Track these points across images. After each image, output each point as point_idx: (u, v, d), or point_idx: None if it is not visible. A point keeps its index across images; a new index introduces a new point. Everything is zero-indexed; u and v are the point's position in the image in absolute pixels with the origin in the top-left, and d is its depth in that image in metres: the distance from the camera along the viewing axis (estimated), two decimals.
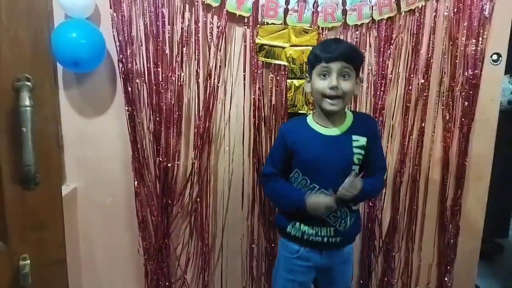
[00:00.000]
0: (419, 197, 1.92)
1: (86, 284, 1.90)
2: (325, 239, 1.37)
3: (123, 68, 1.69)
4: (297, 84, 1.75)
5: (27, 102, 0.60)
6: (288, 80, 1.75)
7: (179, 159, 1.80)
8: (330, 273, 1.43)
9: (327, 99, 1.30)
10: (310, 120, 1.41)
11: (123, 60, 1.67)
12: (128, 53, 1.67)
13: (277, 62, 1.74)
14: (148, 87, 1.72)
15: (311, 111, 1.61)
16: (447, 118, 1.83)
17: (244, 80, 1.76)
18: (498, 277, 2.55)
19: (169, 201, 1.81)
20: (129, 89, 1.71)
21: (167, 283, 1.88)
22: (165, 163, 1.77)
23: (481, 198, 1.96)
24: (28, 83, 0.62)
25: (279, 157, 1.42)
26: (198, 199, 1.84)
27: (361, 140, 1.35)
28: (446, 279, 1.98)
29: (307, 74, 1.44)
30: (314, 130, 1.38)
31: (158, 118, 1.73)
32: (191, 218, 1.86)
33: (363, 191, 1.30)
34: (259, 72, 1.74)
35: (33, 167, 0.62)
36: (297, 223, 1.40)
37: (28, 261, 0.67)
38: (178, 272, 1.92)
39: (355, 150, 1.34)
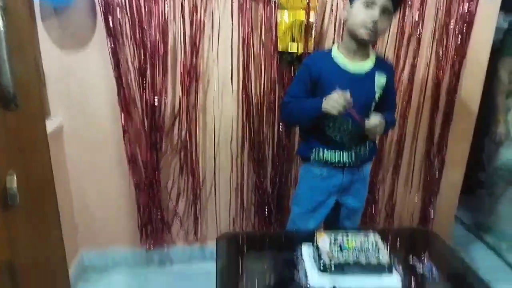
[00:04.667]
0: (407, 132, 1.95)
1: (79, 219, 1.96)
2: (346, 162, 1.46)
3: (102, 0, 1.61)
4: (286, 20, 1.68)
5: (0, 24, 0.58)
6: (279, 17, 1.67)
7: (167, 96, 1.77)
8: (349, 190, 1.53)
9: (363, 28, 1.30)
10: (335, 53, 1.41)
11: None
12: None
13: None
14: (130, 20, 1.65)
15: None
16: (440, 55, 1.81)
17: (232, 13, 1.69)
18: (475, 210, 2.69)
19: (158, 138, 1.81)
20: (111, 23, 1.64)
21: (159, 215, 1.94)
22: (152, 99, 1.75)
23: (467, 134, 2.00)
24: (0, 4, 0.59)
25: (302, 89, 1.42)
26: (187, 136, 1.85)
27: (382, 79, 1.41)
28: (430, 208, 2.08)
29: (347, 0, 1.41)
30: (340, 65, 1.38)
31: (142, 54, 1.68)
32: (180, 155, 1.88)
33: (386, 126, 1.40)
34: (247, 7, 1.67)
35: (11, 88, 0.61)
36: (320, 151, 1.46)
37: (15, 181, 0.67)
38: (170, 206, 1.97)
39: (377, 89, 1.40)
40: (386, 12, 1.30)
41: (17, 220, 0.70)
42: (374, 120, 1.36)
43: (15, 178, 0.68)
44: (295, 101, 1.43)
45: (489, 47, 1.86)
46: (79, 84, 1.74)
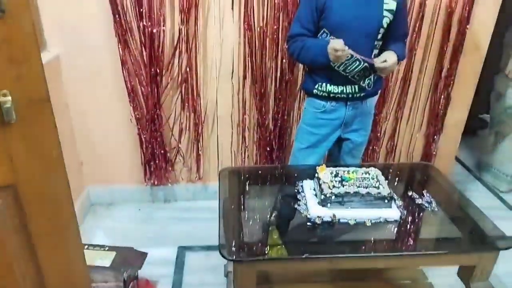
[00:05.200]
0: (414, 66, 1.88)
1: (83, 156, 1.96)
2: (350, 95, 1.43)
3: None
4: None
5: None
6: None
7: (165, 24, 1.69)
8: (353, 124, 1.51)
9: None
10: None
11: None
12: None
13: None
14: None
15: None
16: None
17: None
18: (476, 151, 2.69)
19: (158, 71, 1.75)
20: None
21: (162, 151, 1.94)
22: (149, 28, 1.66)
23: (476, 69, 1.93)
24: None
25: (308, 16, 1.36)
26: (188, 69, 1.78)
27: (391, 4, 1.33)
28: (432, 146, 2.07)
29: None
30: None
31: None
32: (181, 88, 1.83)
33: (397, 60, 1.36)
34: None
35: None
36: (323, 84, 1.43)
37: (9, 97, 0.64)
38: (172, 142, 1.97)
39: (385, 13, 1.33)
40: None
41: (15, 138, 0.68)
42: (386, 59, 1.32)
43: (9, 94, 0.65)
44: (300, 41, 1.38)
45: None
46: (74, 11, 1.65)
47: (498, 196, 2.32)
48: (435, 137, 2.05)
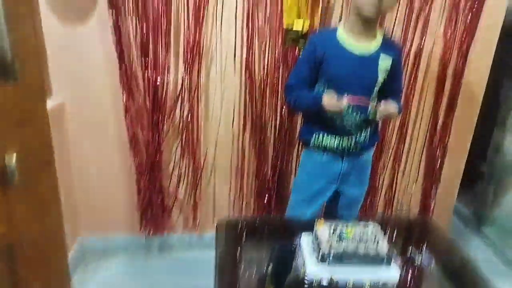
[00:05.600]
0: (410, 117, 1.92)
1: (80, 203, 1.93)
2: (346, 148, 1.45)
3: None
4: None
5: None
6: None
7: (169, 74, 1.74)
8: (349, 178, 1.52)
9: (369, 5, 1.28)
10: (340, 33, 1.39)
11: None
12: None
13: None
14: None
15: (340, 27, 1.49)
16: (448, 36, 1.76)
17: None
18: (477, 202, 2.63)
19: (160, 118, 1.78)
20: None
21: (159, 199, 1.93)
22: (154, 78, 1.71)
23: (471, 121, 1.98)
24: None
25: (306, 68, 1.42)
26: (189, 117, 1.82)
27: (388, 61, 1.39)
28: (430, 198, 2.07)
29: None
30: (345, 45, 1.37)
31: (145, 28, 1.63)
32: (182, 135, 1.86)
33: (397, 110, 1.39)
34: None
35: (10, 59, 0.58)
36: (320, 135, 1.46)
37: (14, 158, 0.66)
38: (170, 189, 1.96)
39: (380, 72, 1.38)
40: None
41: (16, 198, 0.69)
42: (389, 106, 1.35)
43: (14, 156, 0.66)
44: (297, 91, 1.43)
45: (499, 28, 1.81)
46: (80, 60, 1.70)
47: (497, 251, 2.28)
48: (433, 189, 2.05)
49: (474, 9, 1.72)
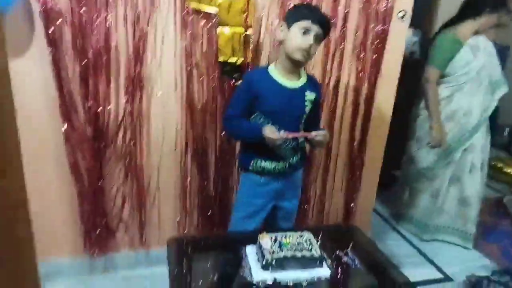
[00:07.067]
0: (333, 138, 2.21)
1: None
2: (281, 170, 1.64)
3: (43, 6, 1.60)
4: (226, 33, 1.81)
5: None
6: (219, 28, 1.80)
7: (110, 104, 1.81)
8: (284, 194, 1.72)
9: (300, 51, 1.48)
10: (272, 71, 1.58)
11: None
12: None
13: (207, 9, 1.77)
14: (71, 28, 1.65)
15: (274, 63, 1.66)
16: (359, 69, 2.08)
17: (175, 25, 1.78)
18: (390, 202, 3.10)
19: (102, 145, 1.84)
20: (51, 30, 1.63)
21: (103, 221, 1.96)
22: (95, 108, 1.77)
23: (382, 138, 2.32)
24: None
25: (243, 102, 1.58)
26: (132, 142, 1.89)
27: (312, 96, 1.62)
28: (351, 205, 2.36)
29: (283, 23, 1.56)
30: (277, 81, 1.56)
31: (84, 62, 1.69)
32: (125, 160, 1.92)
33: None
34: (189, 18, 1.77)
35: None
36: (258, 161, 1.63)
37: None
38: (114, 211, 2.00)
39: (307, 103, 1.61)
40: (318, 39, 1.52)
41: None
42: (322, 132, 1.57)
43: None
44: (236, 122, 1.59)
45: (400, 60, 2.17)
46: (18, 91, 1.70)
47: (413, 245, 2.67)
48: (354, 196, 2.35)
49: (379, 46, 2.06)
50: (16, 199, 0.76)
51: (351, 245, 1.62)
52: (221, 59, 1.85)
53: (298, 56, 1.50)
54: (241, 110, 1.58)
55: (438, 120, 2.49)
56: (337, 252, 1.55)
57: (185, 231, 2.13)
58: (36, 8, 1.61)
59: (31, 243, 0.81)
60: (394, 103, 2.26)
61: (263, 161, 1.62)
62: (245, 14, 1.80)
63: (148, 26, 1.75)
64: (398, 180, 3.05)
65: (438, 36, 2.49)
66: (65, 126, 1.76)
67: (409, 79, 2.50)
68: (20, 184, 0.77)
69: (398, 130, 2.51)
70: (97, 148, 1.84)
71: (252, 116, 1.60)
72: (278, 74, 1.57)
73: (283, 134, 1.50)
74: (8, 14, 1.57)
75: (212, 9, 1.78)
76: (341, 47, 2.02)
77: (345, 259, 1.51)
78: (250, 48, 1.86)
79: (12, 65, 1.65)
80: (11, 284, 0.81)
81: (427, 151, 2.59)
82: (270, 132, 1.49)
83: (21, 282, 0.84)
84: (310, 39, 1.47)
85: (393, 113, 2.27)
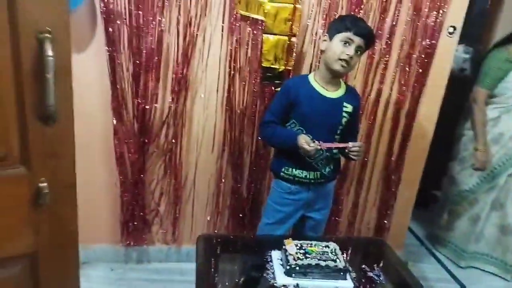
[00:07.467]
0: (370, 152, 2.18)
1: None
2: (312, 180, 1.64)
3: (104, 8, 1.73)
4: (271, 39, 1.86)
5: (50, 52, 0.72)
6: (264, 35, 1.86)
7: (157, 102, 1.91)
8: (314, 205, 1.72)
9: (339, 62, 1.49)
10: (311, 79, 1.61)
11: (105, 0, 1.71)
12: None
13: (254, 16, 1.83)
14: (129, 29, 1.77)
15: (314, 71, 1.69)
16: (402, 82, 2.05)
17: (222, 30, 1.86)
18: (428, 223, 2.98)
19: (146, 140, 1.95)
20: (110, 29, 1.76)
21: (141, 214, 2.07)
22: (143, 105, 1.88)
23: (422, 155, 2.25)
24: (49, 36, 0.73)
25: (280, 107, 1.61)
26: (173, 140, 1.99)
27: (349, 108, 1.62)
28: (385, 221, 2.32)
29: (326, 34, 1.60)
30: (315, 90, 1.59)
31: (138, 61, 1.81)
32: (166, 157, 2.02)
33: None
34: (237, 24, 1.84)
35: (54, 107, 0.75)
36: (290, 168, 1.64)
37: (46, 184, 0.82)
38: (152, 205, 2.11)
39: (344, 114, 1.61)
40: (360, 50, 1.52)
41: (44, 216, 0.84)
42: (358, 144, 1.55)
43: (47, 185, 0.82)
44: (272, 127, 1.60)
45: (446, 76, 2.11)
46: (76, 85, 1.83)
47: (448, 270, 2.54)
48: (388, 212, 2.30)
49: (425, 61, 2.02)
50: (66, 180, 0.85)
51: (378, 261, 1.60)
52: (264, 65, 1.90)
53: (337, 66, 1.51)
54: (278, 116, 1.61)
55: (484, 142, 2.38)
56: (363, 266, 1.54)
57: (216, 230, 2.20)
58: (98, 8, 1.75)
59: (75, 224, 0.90)
60: (439, 120, 2.20)
61: (294, 169, 1.64)
62: (291, 23, 1.84)
63: (198, 30, 1.84)
64: (438, 201, 2.94)
65: (489, 55, 2.39)
66: (115, 120, 1.89)
67: (457, 96, 2.42)
68: (70, 166, 0.85)
69: (442, 149, 2.43)
70: (142, 143, 1.95)
71: (287, 124, 1.62)
72: (317, 82, 1.59)
73: (317, 144, 1.50)
74: (74, 12, 1.72)
75: (259, 16, 1.83)
76: (385, 59, 2.01)
77: (370, 274, 1.50)
78: (293, 56, 1.90)
79: (74, 60, 1.82)
80: (53, 264, 0.90)
81: (470, 173, 2.48)
82: (304, 141, 1.49)
83: (64, 261, 0.93)
84: (351, 50, 1.48)
85: (437, 130, 2.21)
